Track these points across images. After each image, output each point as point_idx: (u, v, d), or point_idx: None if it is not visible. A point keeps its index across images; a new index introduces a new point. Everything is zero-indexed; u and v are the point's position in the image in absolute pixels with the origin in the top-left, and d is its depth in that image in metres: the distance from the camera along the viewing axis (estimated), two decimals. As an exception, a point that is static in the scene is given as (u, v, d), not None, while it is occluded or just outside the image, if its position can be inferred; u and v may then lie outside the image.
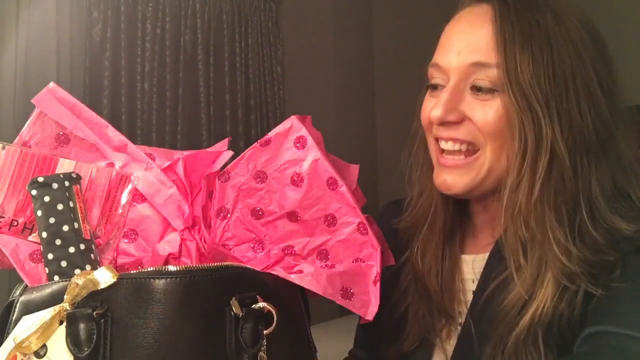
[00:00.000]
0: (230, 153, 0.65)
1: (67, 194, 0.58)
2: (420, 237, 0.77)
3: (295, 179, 0.62)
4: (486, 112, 0.67)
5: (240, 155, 0.64)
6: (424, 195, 0.78)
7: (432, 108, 0.70)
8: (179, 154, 0.64)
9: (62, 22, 2.05)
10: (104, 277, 0.51)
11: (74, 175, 0.60)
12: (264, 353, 0.53)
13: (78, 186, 0.59)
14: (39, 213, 0.56)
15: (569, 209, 0.64)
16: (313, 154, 0.62)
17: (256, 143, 0.64)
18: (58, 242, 0.55)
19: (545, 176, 0.64)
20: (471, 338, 0.69)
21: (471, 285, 0.74)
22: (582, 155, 0.65)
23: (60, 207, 0.56)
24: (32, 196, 0.57)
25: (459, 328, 0.73)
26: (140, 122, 2.19)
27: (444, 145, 0.71)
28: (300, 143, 0.63)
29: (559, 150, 0.63)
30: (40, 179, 0.58)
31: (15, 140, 0.63)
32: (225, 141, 0.67)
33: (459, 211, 0.78)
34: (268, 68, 2.57)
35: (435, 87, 0.72)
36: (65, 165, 0.60)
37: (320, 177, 0.62)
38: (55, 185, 0.58)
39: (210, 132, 2.35)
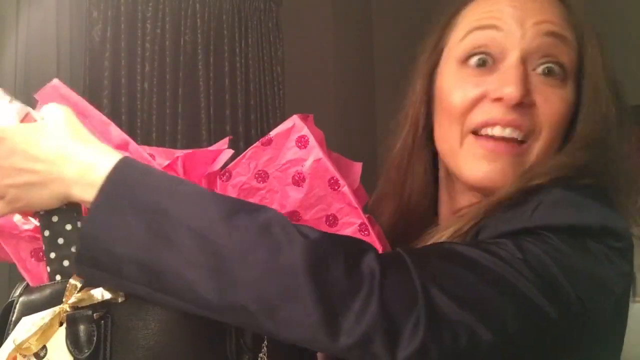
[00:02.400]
0: (231, 152, 0.65)
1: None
2: (399, 226, 0.73)
3: (297, 178, 0.62)
4: (556, 98, 0.60)
5: (242, 155, 0.64)
6: (393, 185, 0.73)
7: (501, 84, 0.59)
8: (179, 153, 0.64)
9: (62, 22, 2.05)
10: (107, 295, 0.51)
11: None
12: (264, 355, 0.53)
13: None
14: (42, 212, 0.56)
15: None
16: (315, 153, 0.62)
17: (258, 142, 0.64)
18: (60, 241, 0.55)
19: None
20: None
21: None
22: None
23: (63, 206, 0.56)
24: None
25: None
26: (140, 122, 2.18)
27: (498, 131, 0.60)
28: (302, 143, 0.62)
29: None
30: None
31: None
32: (226, 140, 0.67)
33: (431, 206, 0.73)
34: (268, 68, 2.56)
35: (481, 63, 0.62)
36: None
37: (322, 177, 0.62)
38: None
39: (210, 132, 2.35)
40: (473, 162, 0.62)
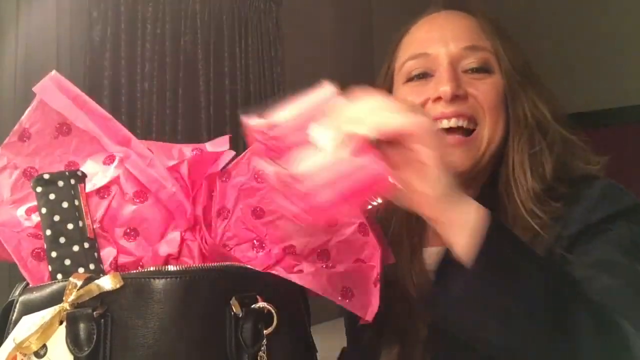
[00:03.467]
0: (232, 153, 0.65)
1: (72, 192, 0.57)
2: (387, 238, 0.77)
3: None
4: (486, 87, 0.73)
5: (241, 155, 0.64)
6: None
7: (436, 87, 0.73)
8: (175, 148, 0.64)
9: (62, 22, 2.05)
10: (109, 284, 0.51)
11: (79, 174, 0.59)
12: (264, 353, 0.53)
13: (83, 184, 0.59)
14: (44, 210, 0.56)
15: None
16: (314, 153, 0.62)
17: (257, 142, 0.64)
18: (62, 240, 0.55)
19: (529, 152, 0.72)
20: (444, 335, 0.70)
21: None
22: (543, 134, 0.74)
23: (65, 205, 0.56)
24: (37, 193, 0.57)
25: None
26: (140, 122, 2.18)
27: (445, 124, 0.73)
28: (301, 143, 0.63)
29: (533, 128, 0.73)
30: (46, 176, 0.58)
31: (15, 128, 0.62)
32: (226, 138, 0.66)
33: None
34: (268, 68, 2.56)
35: (421, 77, 0.76)
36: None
37: (321, 177, 0.62)
38: (60, 183, 0.57)
39: (210, 132, 2.35)
40: None
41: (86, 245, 0.56)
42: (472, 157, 0.73)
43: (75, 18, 2.10)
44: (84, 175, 0.60)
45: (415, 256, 0.78)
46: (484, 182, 0.77)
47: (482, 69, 0.74)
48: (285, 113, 0.56)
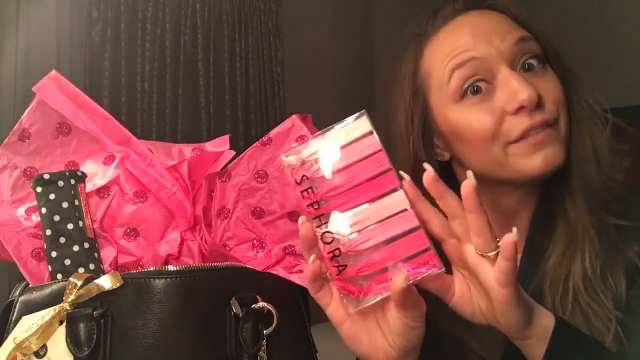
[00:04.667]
0: (232, 153, 0.65)
1: (72, 192, 0.58)
2: None
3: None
4: (552, 84, 0.67)
5: (241, 155, 0.64)
6: None
7: (510, 96, 0.64)
8: (175, 148, 0.64)
9: (62, 22, 2.05)
10: (108, 283, 0.51)
11: (79, 174, 0.59)
12: (264, 353, 0.53)
13: (83, 184, 0.59)
14: (44, 210, 0.56)
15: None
16: (314, 153, 0.62)
17: (257, 142, 0.64)
18: (62, 240, 0.55)
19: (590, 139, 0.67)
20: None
21: None
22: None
23: (65, 205, 0.56)
24: (37, 193, 0.57)
25: None
26: (140, 122, 2.18)
27: (533, 134, 0.65)
28: (302, 142, 0.63)
29: (585, 110, 0.68)
30: (46, 176, 0.58)
31: (15, 128, 0.62)
32: (226, 138, 0.66)
33: None
34: (268, 68, 2.56)
35: (476, 89, 0.66)
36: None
37: (321, 177, 0.62)
38: (60, 183, 0.58)
39: (210, 132, 2.35)
40: (528, 159, 0.66)
41: (86, 245, 0.56)
42: (565, 149, 0.66)
43: (75, 18, 2.10)
44: (84, 175, 0.60)
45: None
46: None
47: (538, 63, 0.67)
48: (326, 159, 0.51)
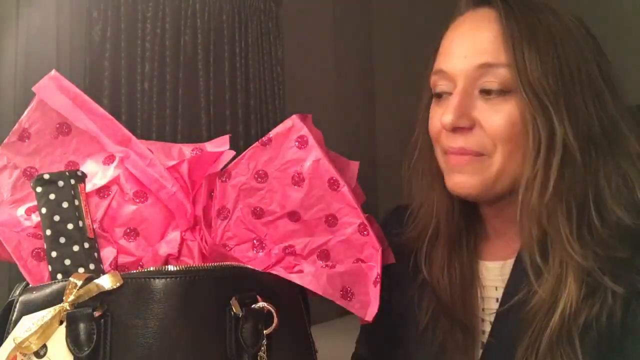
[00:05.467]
0: (232, 153, 0.65)
1: (72, 192, 0.57)
2: (424, 249, 0.75)
3: (297, 178, 0.62)
4: (497, 117, 0.65)
5: (241, 155, 0.64)
6: (425, 206, 0.76)
7: (442, 114, 0.67)
8: (175, 148, 0.64)
9: (62, 22, 2.05)
10: (108, 283, 0.51)
11: (79, 174, 0.59)
12: (264, 353, 0.53)
13: (83, 184, 0.59)
14: (44, 210, 0.56)
15: (579, 205, 0.63)
16: (314, 153, 0.62)
17: (257, 142, 0.64)
18: (62, 240, 0.55)
19: (558, 173, 0.63)
20: (500, 345, 0.68)
21: (494, 293, 0.72)
22: (590, 150, 0.64)
23: (65, 205, 0.56)
24: (37, 193, 0.57)
25: (485, 335, 0.71)
26: (140, 122, 2.18)
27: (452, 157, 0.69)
28: (302, 142, 0.63)
29: (571, 146, 0.63)
30: (46, 176, 0.58)
31: (15, 128, 0.62)
32: (226, 138, 0.66)
33: (469, 218, 0.75)
34: (268, 68, 2.56)
35: (440, 96, 0.71)
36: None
37: (322, 177, 0.62)
38: (60, 183, 0.57)
39: (210, 132, 2.35)
40: (448, 176, 0.70)
41: (86, 245, 0.56)
42: (482, 180, 0.66)
43: (75, 18, 2.10)
44: (84, 175, 0.60)
45: (460, 270, 0.74)
46: None
47: (498, 91, 0.65)
48: None
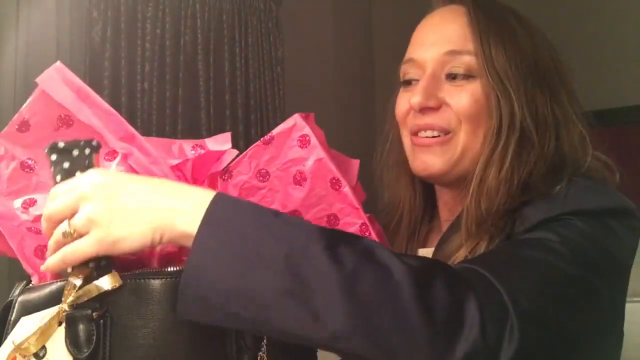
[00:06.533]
0: (235, 152, 0.64)
1: (86, 162, 0.56)
2: (389, 236, 0.80)
3: (298, 177, 0.62)
4: (463, 96, 0.72)
5: (243, 154, 0.64)
6: (393, 197, 0.84)
7: (410, 97, 0.73)
8: (175, 144, 0.64)
9: (62, 22, 2.05)
10: (108, 284, 0.50)
11: (94, 144, 0.58)
12: (263, 353, 0.53)
13: (98, 155, 0.57)
14: (58, 179, 0.55)
15: (523, 183, 0.69)
16: (316, 153, 0.62)
17: (259, 141, 0.63)
18: None
19: (515, 152, 0.70)
20: None
21: None
22: (542, 133, 0.71)
23: (79, 174, 0.55)
24: (52, 161, 0.55)
25: None
26: (140, 122, 2.18)
27: (422, 134, 0.75)
28: (304, 142, 0.62)
29: (528, 129, 0.70)
30: (61, 144, 0.56)
31: (14, 118, 0.61)
32: (228, 135, 0.66)
33: (426, 209, 0.83)
34: (268, 68, 2.56)
35: (409, 83, 0.77)
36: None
37: (324, 177, 0.61)
38: (75, 152, 0.56)
39: (210, 132, 2.35)
40: (414, 158, 0.76)
41: None
42: (445, 160, 0.73)
43: (75, 18, 2.09)
44: (99, 145, 0.58)
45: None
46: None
47: (463, 75, 0.72)
48: None
